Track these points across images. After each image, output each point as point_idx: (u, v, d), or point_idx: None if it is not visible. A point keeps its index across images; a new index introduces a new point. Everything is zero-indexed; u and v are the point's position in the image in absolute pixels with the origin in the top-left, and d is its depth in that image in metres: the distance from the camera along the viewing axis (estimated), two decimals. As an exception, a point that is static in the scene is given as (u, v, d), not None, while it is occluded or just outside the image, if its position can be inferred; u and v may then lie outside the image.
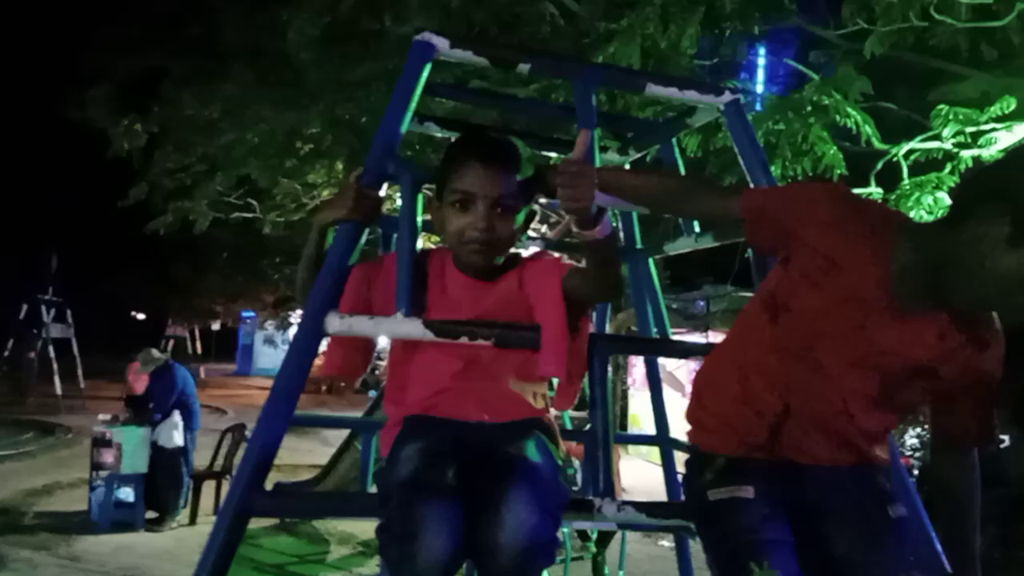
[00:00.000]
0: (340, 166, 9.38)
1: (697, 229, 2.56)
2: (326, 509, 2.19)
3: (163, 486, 8.49)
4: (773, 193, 1.85)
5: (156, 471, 8.50)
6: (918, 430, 13.59)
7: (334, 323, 1.76)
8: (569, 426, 4.68)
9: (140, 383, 12.23)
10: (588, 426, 2.04)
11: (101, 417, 9.40)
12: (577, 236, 1.62)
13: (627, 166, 2.96)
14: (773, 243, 1.70)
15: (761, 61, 8.55)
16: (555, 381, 1.97)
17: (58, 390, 18.47)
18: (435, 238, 5.78)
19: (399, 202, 2.02)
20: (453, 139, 2.18)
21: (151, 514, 8.53)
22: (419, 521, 1.46)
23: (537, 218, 2.12)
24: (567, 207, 1.57)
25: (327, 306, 1.77)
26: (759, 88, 8.27)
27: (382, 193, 1.93)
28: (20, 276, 22.24)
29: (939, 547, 1.73)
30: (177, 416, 8.67)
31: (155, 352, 9.08)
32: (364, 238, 1.93)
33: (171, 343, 26.07)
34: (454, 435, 1.67)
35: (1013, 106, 4.72)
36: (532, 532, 1.49)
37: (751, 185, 2.22)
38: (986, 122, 4.84)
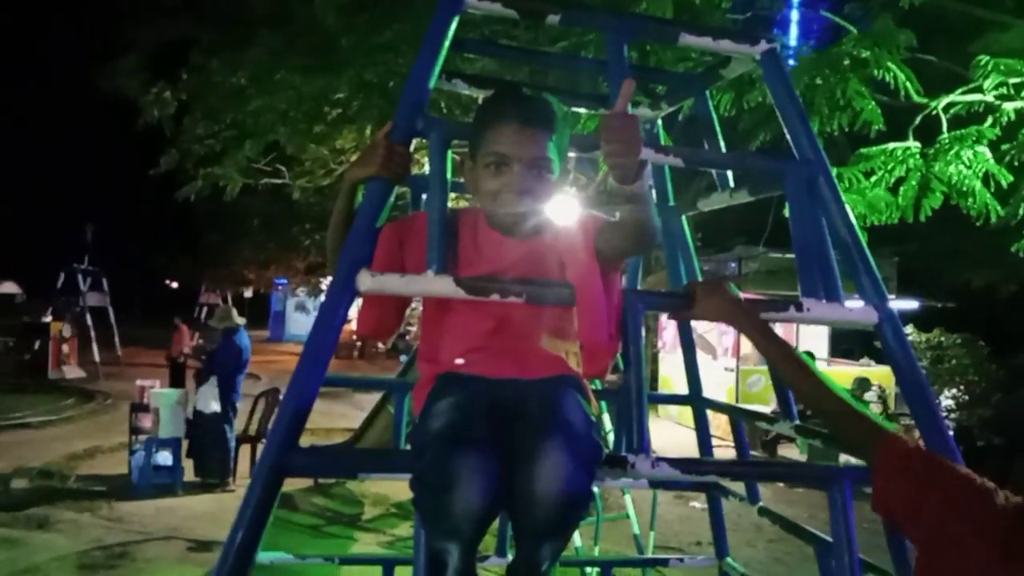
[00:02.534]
0: (369, 131, 9.34)
1: (731, 184, 2.51)
2: (361, 466, 2.19)
3: (209, 450, 8.65)
4: (929, 465, 1.57)
5: (202, 436, 8.67)
6: (954, 391, 13.47)
7: (366, 281, 1.75)
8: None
9: (186, 345, 12.45)
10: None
11: (140, 383, 9.55)
12: (616, 190, 1.58)
13: (659, 121, 2.91)
14: (909, 522, 1.53)
15: (795, 15, 8.34)
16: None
17: (96, 357, 18.86)
18: (463, 201, 5.75)
19: (427, 167, 2.00)
20: (483, 98, 2.14)
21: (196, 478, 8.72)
22: (455, 472, 1.45)
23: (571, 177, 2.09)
24: (614, 162, 1.53)
25: (358, 264, 1.76)
26: (793, 43, 8.07)
27: (411, 149, 1.90)
28: (57, 246, 22.64)
29: None
30: (215, 381, 8.80)
31: (235, 312, 9.19)
32: (394, 196, 1.91)
33: (204, 310, 26.44)
34: (487, 390, 1.66)
35: (1059, 55, 4.56)
36: (567, 483, 1.48)
37: (793, 148, 2.14)
38: (1031, 73, 4.69)
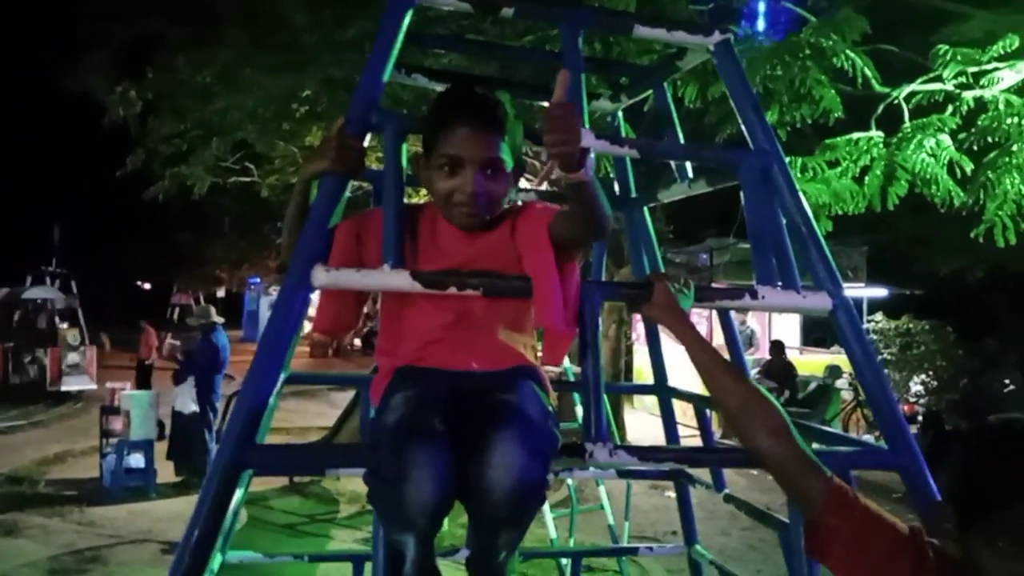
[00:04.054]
0: (337, 128, 9.31)
1: (690, 174, 2.53)
2: (319, 462, 2.19)
3: (189, 450, 8.59)
4: (865, 513, 1.50)
5: (182, 437, 8.60)
6: (923, 376, 13.65)
7: (320, 276, 1.74)
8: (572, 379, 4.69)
9: (155, 348, 12.32)
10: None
11: (111, 385, 9.45)
12: (562, 179, 1.59)
13: (620, 113, 2.92)
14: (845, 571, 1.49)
15: (762, 7, 8.39)
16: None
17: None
18: (423, 191, 5.74)
19: None
20: (436, 96, 2.14)
21: (175, 479, 8.65)
22: (408, 465, 1.46)
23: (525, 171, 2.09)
24: (555, 152, 1.54)
25: (313, 259, 1.75)
26: (761, 35, 8.13)
27: (365, 143, 1.90)
28: (24, 248, 22.27)
29: None
30: (192, 382, 8.74)
31: (213, 310, 9.11)
32: (348, 191, 1.90)
33: (177, 311, 26.18)
34: (444, 383, 1.66)
35: (1016, 44, 4.63)
36: (520, 473, 1.49)
37: (748, 138, 2.16)
38: (988, 61, 4.75)
